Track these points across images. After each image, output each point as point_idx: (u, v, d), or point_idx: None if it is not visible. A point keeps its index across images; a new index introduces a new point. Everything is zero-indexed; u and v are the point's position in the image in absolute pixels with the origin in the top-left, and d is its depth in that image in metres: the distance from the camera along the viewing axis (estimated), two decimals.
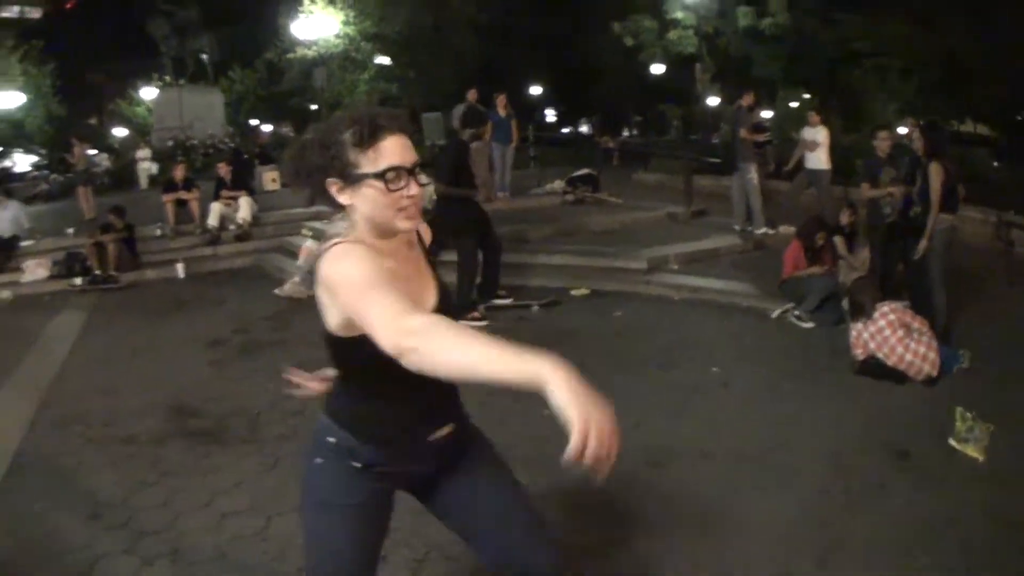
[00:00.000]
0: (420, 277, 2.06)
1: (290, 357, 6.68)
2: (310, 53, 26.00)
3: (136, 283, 11.06)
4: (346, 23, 26.31)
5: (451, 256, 7.35)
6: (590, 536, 3.72)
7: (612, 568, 3.54)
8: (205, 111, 21.95)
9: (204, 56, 23.23)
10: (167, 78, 23.03)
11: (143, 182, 19.79)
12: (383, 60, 27.67)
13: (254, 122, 30.69)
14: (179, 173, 12.58)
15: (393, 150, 1.85)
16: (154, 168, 19.89)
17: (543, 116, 39.38)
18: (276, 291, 8.86)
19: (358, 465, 2.05)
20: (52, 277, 11.45)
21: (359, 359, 1.84)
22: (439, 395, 2.03)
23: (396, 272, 1.87)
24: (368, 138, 1.83)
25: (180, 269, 11.08)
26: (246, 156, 16.79)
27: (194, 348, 7.49)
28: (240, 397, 5.99)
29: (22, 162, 32.01)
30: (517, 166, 14.79)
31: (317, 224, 10.25)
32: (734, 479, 4.35)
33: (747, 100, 10.73)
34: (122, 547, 4.00)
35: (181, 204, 12.33)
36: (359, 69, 27.20)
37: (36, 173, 26.73)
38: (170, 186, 12.50)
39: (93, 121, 36.64)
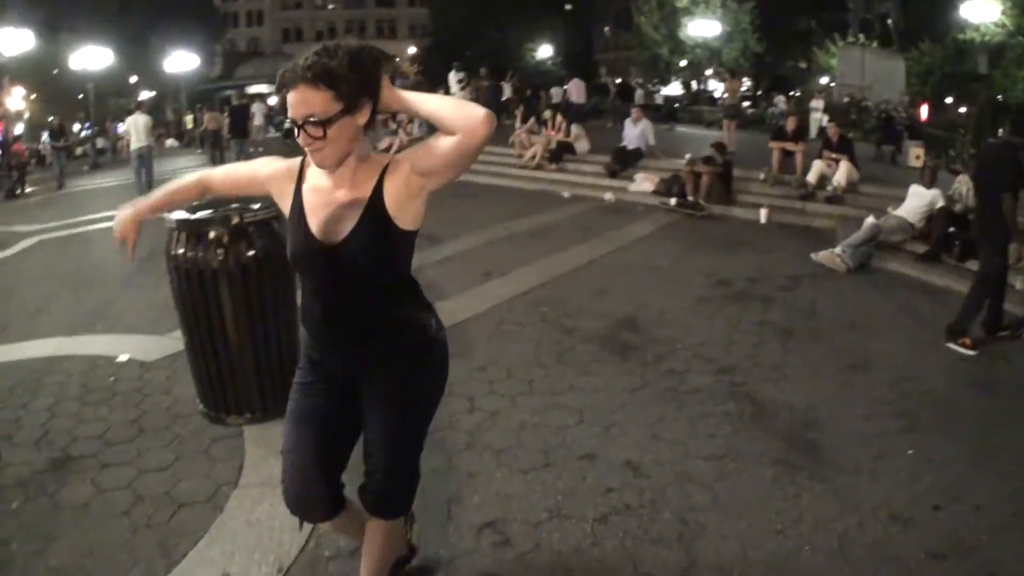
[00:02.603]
0: (347, 209, 2.24)
1: (764, 313, 6.78)
2: (976, 37, 23.95)
3: (719, 216, 11.81)
4: (1004, 13, 23.75)
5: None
6: None
7: None
8: (885, 76, 21.38)
9: (889, 21, 22.62)
10: (859, 37, 23.08)
11: (812, 131, 20.35)
12: None
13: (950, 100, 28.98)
14: (791, 124, 12.88)
15: (289, 103, 2.11)
16: (824, 120, 20.24)
17: None
18: (812, 255, 8.75)
19: (305, 350, 2.56)
20: (654, 192, 12.87)
21: None
22: (342, 317, 2.37)
23: (314, 191, 2.30)
24: (279, 91, 2.14)
25: (763, 215, 11.46)
26: (899, 127, 16.16)
27: (700, 281, 7.96)
28: (684, 331, 6.32)
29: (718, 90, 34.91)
30: None
31: (892, 211, 9.55)
32: None
33: None
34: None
35: (788, 154, 12.62)
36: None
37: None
38: (779, 135, 12.88)
39: (803, 65, 37.93)
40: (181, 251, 4.28)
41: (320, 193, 2.29)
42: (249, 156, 15.99)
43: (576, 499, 3.70)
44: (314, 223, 2.26)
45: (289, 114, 2.11)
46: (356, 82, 2.10)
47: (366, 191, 2.22)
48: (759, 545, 3.32)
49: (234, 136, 19.00)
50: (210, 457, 4.18)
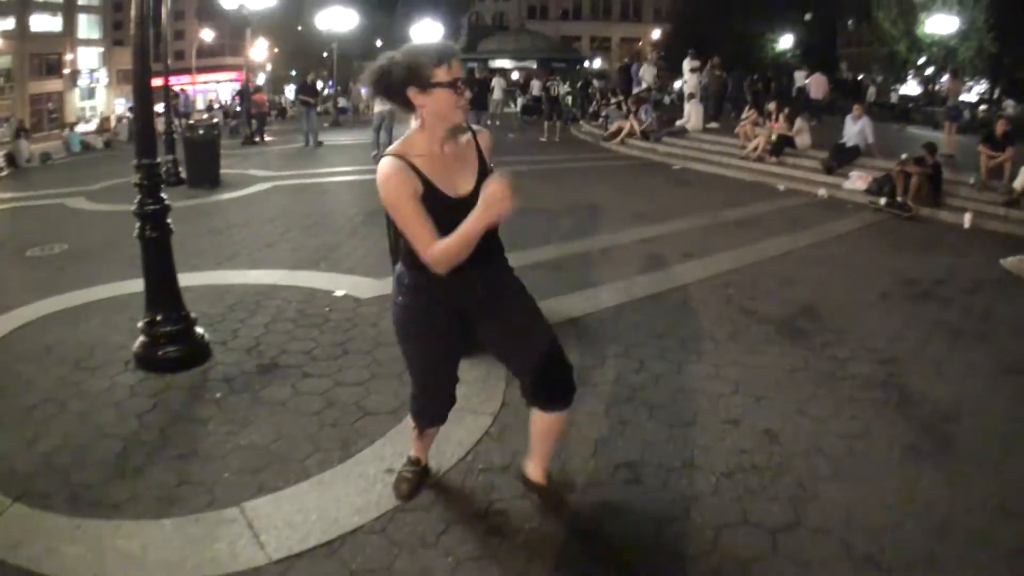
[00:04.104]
0: (463, 165, 2.73)
1: (940, 313, 6.47)
2: None
3: (925, 218, 11.03)
4: None
5: None
6: None
7: None
8: None
9: None
10: None
11: None
12: None
13: None
14: (1000, 128, 11.71)
15: (457, 70, 2.58)
16: None
17: None
18: (1001, 261, 8.11)
19: (423, 295, 2.81)
20: (866, 191, 12.20)
21: None
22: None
23: (430, 164, 2.62)
24: (444, 60, 2.55)
25: (967, 219, 10.61)
26: None
27: (887, 279, 7.61)
28: (857, 323, 6.16)
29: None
30: None
31: None
32: None
33: None
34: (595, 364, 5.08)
35: (992, 158, 11.56)
36: None
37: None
38: (988, 139, 11.78)
39: None
40: None
41: (435, 164, 2.64)
42: (486, 128, 16.67)
43: (710, 455, 3.90)
44: (443, 186, 2.64)
45: (457, 76, 2.59)
46: None
47: (473, 152, 2.77)
48: (864, 515, 3.38)
49: (472, 107, 19.59)
50: (401, 380, 4.45)
